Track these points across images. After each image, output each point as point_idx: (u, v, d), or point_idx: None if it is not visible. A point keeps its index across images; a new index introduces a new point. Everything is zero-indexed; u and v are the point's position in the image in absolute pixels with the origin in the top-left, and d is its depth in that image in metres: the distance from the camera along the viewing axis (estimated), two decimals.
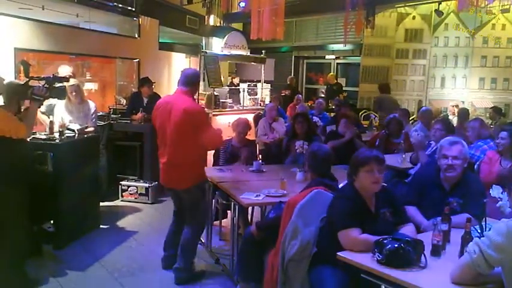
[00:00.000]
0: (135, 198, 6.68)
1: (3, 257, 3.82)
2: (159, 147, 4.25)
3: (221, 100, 10.73)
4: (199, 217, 4.34)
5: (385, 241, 2.63)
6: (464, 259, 2.21)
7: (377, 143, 6.79)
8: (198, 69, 4.30)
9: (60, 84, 4.40)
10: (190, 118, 3.98)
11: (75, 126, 5.51)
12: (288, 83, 13.31)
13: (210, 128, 4.28)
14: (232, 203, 4.32)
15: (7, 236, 3.82)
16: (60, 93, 4.48)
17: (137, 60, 9.35)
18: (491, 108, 9.71)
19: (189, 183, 4.17)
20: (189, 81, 4.18)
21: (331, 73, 13.43)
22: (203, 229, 4.53)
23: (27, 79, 4.12)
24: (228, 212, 5.04)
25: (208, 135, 4.09)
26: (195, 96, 4.45)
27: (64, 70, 6.06)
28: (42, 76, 4.32)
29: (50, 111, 5.69)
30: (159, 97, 7.56)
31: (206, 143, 4.15)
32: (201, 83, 11.35)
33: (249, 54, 12.44)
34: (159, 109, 4.22)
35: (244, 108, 10.76)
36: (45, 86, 4.16)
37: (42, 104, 4.35)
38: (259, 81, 12.45)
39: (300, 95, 10.96)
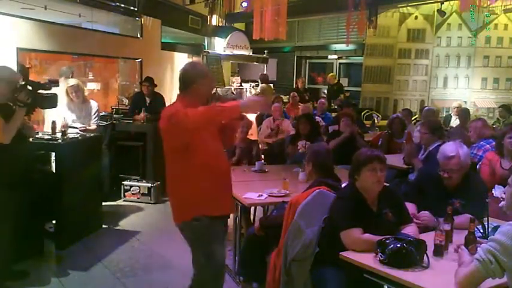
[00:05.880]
0: (138, 198, 6.68)
1: None
2: None
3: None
4: (198, 273, 3.16)
5: (387, 241, 2.64)
6: (474, 266, 2.18)
7: (379, 143, 6.79)
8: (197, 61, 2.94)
9: (45, 92, 4.00)
10: (164, 128, 3.01)
11: (77, 126, 5.55)
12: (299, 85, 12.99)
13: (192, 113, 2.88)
14: (235, 203, 4.32)
15: None
16: (44, 102, 4.03)
17: (139, 60, 9.36)
18: (499, 107, 9.61)
19: (179, 217, 3.14)
20: (182, 83, 3.11)
21: (332, 73, 13.41)
22: None
23: (23, 83, 3.92)
24: None
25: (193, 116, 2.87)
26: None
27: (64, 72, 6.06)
28: (36, 81, 4.05)
29: None
30: (162, 97, 7.67)
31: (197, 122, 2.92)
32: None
33: (251, 54, 12.47)
34: None
35: None
36: (29, 91, 3.85)
37: (31, 112, 4.05)
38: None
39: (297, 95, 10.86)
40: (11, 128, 3.73)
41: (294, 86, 13.33)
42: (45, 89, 4.01)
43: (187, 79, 3.07)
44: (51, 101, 4.12)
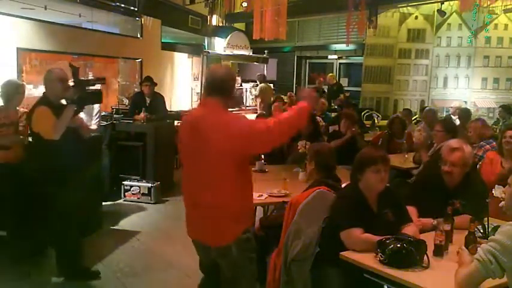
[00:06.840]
0: (138, 198, 6.67)
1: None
2: (183, 186, 2.99)
3: None
4: None
5: (387, 241, 2.64)
6: (474, 266, 2.18)
7: (380, 143, 6.79)
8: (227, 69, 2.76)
9: (91, 88, 4.15)
10: (240, 141, 2.70)
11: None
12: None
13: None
14: None
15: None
16: (90, 98, 4.18)
17: (140, 60, 9.36)
18: (499, 107, 9.60)
19: (230, 235, 2.80)
20: (220, 89, 2.85)
21: (331, 73, 13.40)
22: None
23: (75, 82, 4.00)
24: None
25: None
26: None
27: None
28: (84, 79, 4.17)
29: None
30: (162, 97, 7.67)
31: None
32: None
33: (251, 54, 12.47)
34: (183, 131, 3.00)
35: (247, 108, 10.76)
36: (77, 89, 3.96)
37: (81, 110, 4.09)
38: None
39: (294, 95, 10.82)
40: (59, 125, 3.82)
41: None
42: (91, 86, 4.15)
43: (227, 87, 2.88)
44: (96, 97, 4.26)
